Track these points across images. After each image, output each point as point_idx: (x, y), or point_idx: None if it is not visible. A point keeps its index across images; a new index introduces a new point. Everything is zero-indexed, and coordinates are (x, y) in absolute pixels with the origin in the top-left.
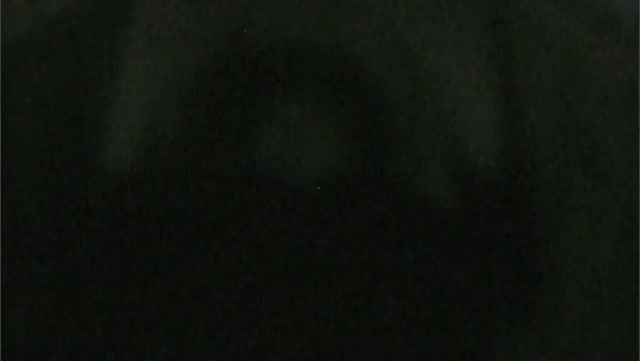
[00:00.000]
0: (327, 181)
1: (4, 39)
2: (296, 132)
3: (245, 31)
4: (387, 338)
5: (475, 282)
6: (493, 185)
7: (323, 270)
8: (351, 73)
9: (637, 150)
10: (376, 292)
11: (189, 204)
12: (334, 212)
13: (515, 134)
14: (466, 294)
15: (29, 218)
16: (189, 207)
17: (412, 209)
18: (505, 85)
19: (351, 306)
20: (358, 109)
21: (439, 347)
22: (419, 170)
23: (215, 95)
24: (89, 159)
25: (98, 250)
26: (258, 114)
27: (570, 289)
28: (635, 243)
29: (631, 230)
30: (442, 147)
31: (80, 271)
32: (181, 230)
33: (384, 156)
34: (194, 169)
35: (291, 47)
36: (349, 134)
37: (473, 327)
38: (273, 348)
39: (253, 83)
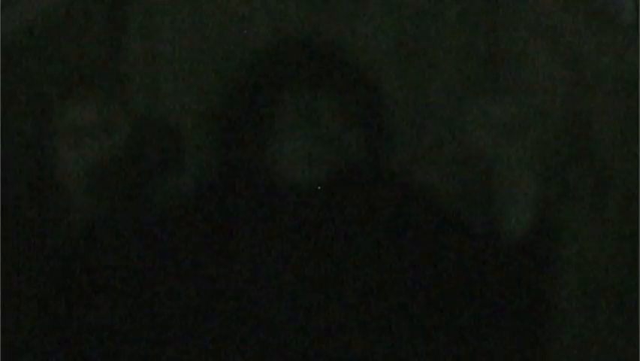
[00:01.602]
0: (337, 173)
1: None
2: (308, 127)
3: (245, 31)
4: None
5: (475, 277)
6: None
7: (340, 260)
8: (355, 70)
9: (637, 145)
10: (385, 286)
11: (203, 200)
12: (347, 204)
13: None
14: (466, 287)
15: (31, 218)
16: (203, 203)
17: (416, 201)
18: (505, 74)
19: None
20: (362, 104)
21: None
22: (420, 161)
23: (226, 93)
24: (92, 151)
25: (109, 246)
26: (269, 110)
27: (570, 282)
28: (634, 239)
29: (630, 223)
30: (440, 135)
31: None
32: (200, 225)
33: (386, 148)
34: (206, 165)
35: (297, 45)
36: (355, 127)
37: (477, 318)
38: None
39: (258, 83)
